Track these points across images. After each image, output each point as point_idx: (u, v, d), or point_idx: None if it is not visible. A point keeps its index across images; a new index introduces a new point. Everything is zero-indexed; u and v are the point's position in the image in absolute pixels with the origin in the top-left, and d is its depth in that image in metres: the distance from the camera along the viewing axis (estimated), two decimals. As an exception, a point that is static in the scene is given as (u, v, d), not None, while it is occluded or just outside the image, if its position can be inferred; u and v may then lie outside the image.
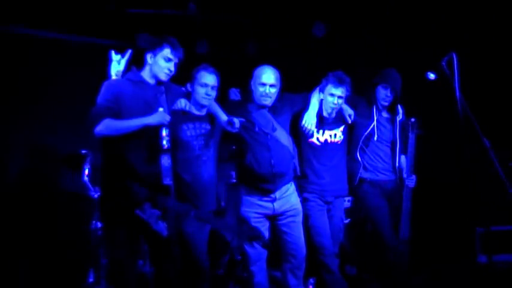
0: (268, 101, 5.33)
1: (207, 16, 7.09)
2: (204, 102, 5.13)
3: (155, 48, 4.74)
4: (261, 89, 5.29)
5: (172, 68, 4.76)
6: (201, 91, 5.09)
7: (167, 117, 4.63)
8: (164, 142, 4.61)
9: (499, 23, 6.47)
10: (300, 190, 5.63)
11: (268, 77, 5.31)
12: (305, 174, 5.64)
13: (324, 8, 6.99)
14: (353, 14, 6.94)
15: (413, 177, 5.69)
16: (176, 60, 4.77)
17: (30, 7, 6.36)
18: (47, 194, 6.48)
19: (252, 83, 5.37)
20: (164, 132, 4.62)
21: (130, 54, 4.96)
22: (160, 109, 4.64)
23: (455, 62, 4.73)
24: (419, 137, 5.67)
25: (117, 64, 4.90)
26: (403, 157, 5.77)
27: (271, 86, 5.30)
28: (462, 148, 4.68)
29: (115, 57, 4.91)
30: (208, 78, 5.10)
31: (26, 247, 6.32)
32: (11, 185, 6.46)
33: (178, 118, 5.07)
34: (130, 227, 4.63)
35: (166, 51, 4.72)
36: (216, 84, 5.13)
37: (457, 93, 4.70)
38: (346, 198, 6.34)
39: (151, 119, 4.59)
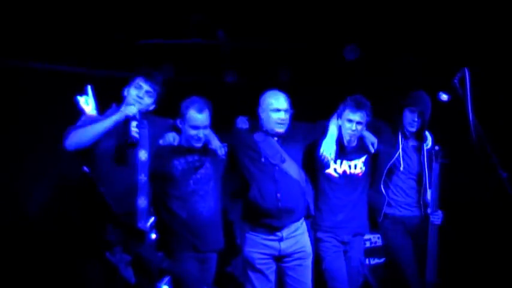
0: (284, 129, 4.46)
1: (236, 44, 6.29)
2: (196, 144, 4.32)
3: (129, 80, 4.14)
4: (276, 115, 4.43)
5: (142, 95, 4.11)
6: (192, 133, 4.29)
7: (133, 109, 3.99)
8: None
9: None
10: (313, 229, 4.68)
11: (282, 102, 4.45)
12: (320, 210, 4.69)
13: (354, 32, 6.05)
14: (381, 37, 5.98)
15: (439, 212, 4.63)
16: (148, 89, 4.11)
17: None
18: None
19: (260, 110, 4.50)
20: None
21: (92, 89, 4.31)
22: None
23: (467, 80, 3.74)
24: (444, 167, 4.62)
25: (87, 105, 4.27)
26: (428, 191, 4.71)
27: (286, 111, 4.44)
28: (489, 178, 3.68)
29: (81, 99, 4.28)
30: (199, 119, 4.26)
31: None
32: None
33: (168, 153, 4.31)
34: (102, 269, 3.98)
35: (138, 80, 4.11)
36: (207, 123, 4.30)
37: (470, 116, 3.71)
38: (375, 236, 5.37)
39: (118, 115, 3.98)
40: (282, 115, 4.41)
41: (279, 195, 4.38)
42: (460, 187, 5.16)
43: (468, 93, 3.73)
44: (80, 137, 3.94)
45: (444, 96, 4.14)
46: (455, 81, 3.83)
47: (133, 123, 3.97)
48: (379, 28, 5.89)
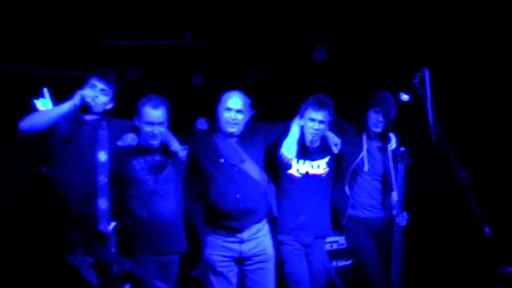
0: (235, 129, 4.33)
1: (203, 45, 6.20)
2: (152, 141, 4.22)
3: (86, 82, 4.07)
4: (227, 114, 4.32)
5: (97, 94, 4.03)
6: (147, 129, 4.19)
7: (89, 92, 3.96)
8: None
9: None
10: (274, 231, 4.55)
11: (234, 101, 4.33)
12: (281, 211, 4.57)
13: (323, 33, 5.98)
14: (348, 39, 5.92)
15: (405, 214, 4.55)
16: (103, 87, 4.05)
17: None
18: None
19: (218, 109, 4.40)
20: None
21: (49, 92, 4.24)
22: None
23: (427, 80, 3.67)
24: (409, 168, 4.54)
25: (44, 107, 4.18)
26: (394, 192, 4.60)
27: (238, 111, 4.31)
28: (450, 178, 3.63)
29: (38, 103, 4.20)
30: (154, 115, 4.17)
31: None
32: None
33: (127, 154, 4.21)
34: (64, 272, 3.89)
35: (92, 79, 4.05)
36: (162, 119, 4.20)
37: (430, 116, 3.65)
38: (342, 238, 5.29)
39: (74, 98, 3.92)
40: (233, 114, 4.30)
41: (238, 196, 4.27)
42: (423, 188, 5.09)
43: (428, 93, 3.67)
44: (35, 118, 3.90)
45: (405, 97, 4.11)
46: (415, 81, 3.79)
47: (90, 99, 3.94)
48: (346, 29, 5.84)
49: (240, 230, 4.32)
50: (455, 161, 3.76)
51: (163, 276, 4.23)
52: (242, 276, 4.41)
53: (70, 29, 5.74)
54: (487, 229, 3.75)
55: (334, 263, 5.47)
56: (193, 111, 4.65)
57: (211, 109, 4.59)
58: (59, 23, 5.64)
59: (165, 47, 6.14)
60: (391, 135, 4.69)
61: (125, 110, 4.25)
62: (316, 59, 6.05)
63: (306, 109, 4.49)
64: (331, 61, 6.08)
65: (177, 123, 4.39)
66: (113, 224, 4.05)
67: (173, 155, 4.25)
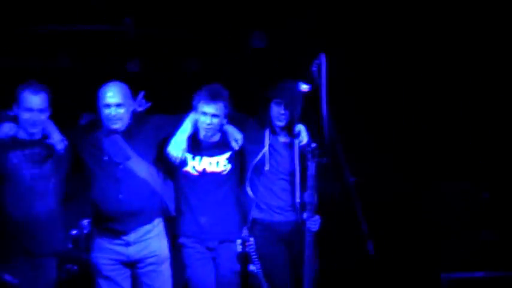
0: (119, 125, 3.96)
1: (143, 31, 5.82)
2: (32, 130, 3.90)
3: None
4: (106, 111, 3.94)
5: None
6: (26, 116, 3.87)
7: None
8: None
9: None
10: (175, 233, 4.18)
11: (112, 96, 3.95)
12: (180, 213, 4.17)
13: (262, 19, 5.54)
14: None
15: (317, 217, 4.05)
16: None
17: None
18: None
19: (98, 105, 4.02)
20: None
21: None
22: None
23: (323, 67, 3.22)
24: (322, 167, 4.02)
25: None
26: (304, 193, 4.11)
27: (117, 106, 3.94)
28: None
29: None
30: (33, 101, 3.84)
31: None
32: None
33: (4, 146, 3.87)
34: None
35: None
36: (43, 106, 3.89)
37: (324, 110, 3.19)
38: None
39: None
40: (113, 111, 3.93)
41: (120, 196, 3.93)
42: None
43: (323, 83, 3.23)
44: None
45: (304, 87, 3.67)
46: (314, 69, 3.36)
47: None
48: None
49: (125, 233, 3.98)
50: (345, 163, 3.28)
51: (35, 278, 3.90)
52: (135, 279, 4.10)
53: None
54: (370, 245, 3.28)
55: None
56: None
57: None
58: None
59: (100, 32, 5.78)
60: (301, 129, 4.15)
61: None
62: (255, 45, 5.60)
63: (198, 102, 4.07)
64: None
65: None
66: None
67: (51, 147, 3.94)
